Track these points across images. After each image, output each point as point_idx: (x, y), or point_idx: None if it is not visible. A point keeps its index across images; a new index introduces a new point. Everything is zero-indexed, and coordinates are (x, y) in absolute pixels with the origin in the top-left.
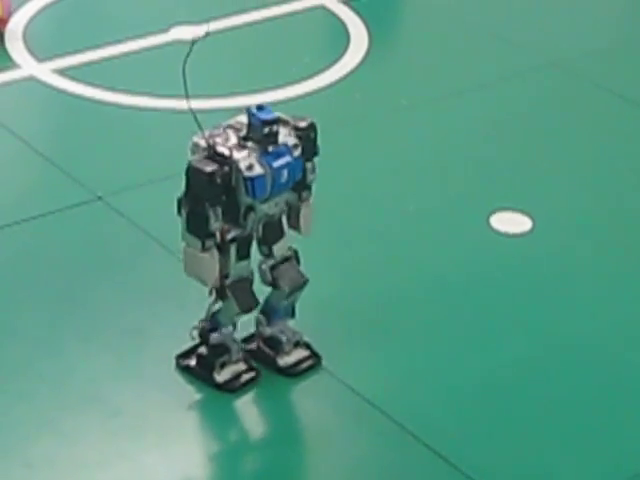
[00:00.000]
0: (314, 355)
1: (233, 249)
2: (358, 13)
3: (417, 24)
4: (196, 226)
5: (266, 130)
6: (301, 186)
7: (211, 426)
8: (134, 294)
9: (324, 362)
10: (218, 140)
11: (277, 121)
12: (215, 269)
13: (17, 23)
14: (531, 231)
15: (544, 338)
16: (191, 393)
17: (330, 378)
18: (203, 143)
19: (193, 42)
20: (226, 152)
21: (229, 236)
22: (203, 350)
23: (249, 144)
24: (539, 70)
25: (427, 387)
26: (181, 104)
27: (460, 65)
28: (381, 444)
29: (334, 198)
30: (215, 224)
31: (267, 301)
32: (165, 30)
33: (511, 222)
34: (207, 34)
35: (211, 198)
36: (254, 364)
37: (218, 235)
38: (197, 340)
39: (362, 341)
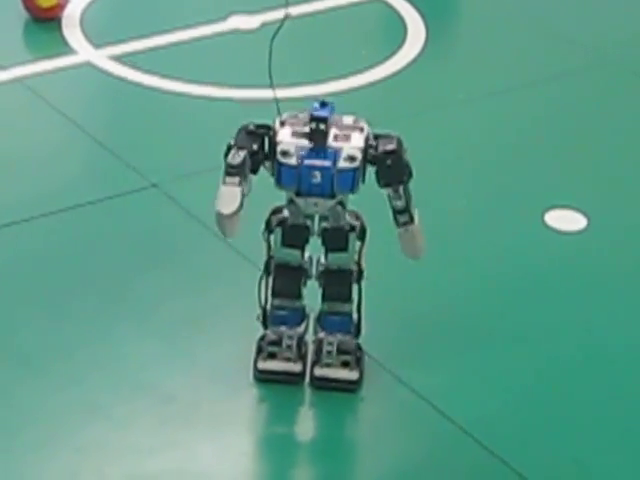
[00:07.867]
0: (353, 382)
1: (278, 231)
2: (416, 7)
3: (475, 19)
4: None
5: (313, 125)
6: (394, 211)
7: (264, 418)
8: (187, 282)
9: (382, 361)
10: (289, 121)
11: (324, 120)
12: (230, 201)
13: (74, 9)
14: (586, 229)
15: (598, 337)
16: (244, 383)
17: (386, 375)
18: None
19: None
20: (276, 128)
21: (278, 217)
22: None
23: (307, 137)
24: (596, 68)
25: (481, 385)
26: (238, 93)
27: (516, 61)
28: (437, 443)
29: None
30: (237, 157)
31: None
32: (223, 18)
33: (566, 220)
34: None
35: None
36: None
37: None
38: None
39: (417, 339)
